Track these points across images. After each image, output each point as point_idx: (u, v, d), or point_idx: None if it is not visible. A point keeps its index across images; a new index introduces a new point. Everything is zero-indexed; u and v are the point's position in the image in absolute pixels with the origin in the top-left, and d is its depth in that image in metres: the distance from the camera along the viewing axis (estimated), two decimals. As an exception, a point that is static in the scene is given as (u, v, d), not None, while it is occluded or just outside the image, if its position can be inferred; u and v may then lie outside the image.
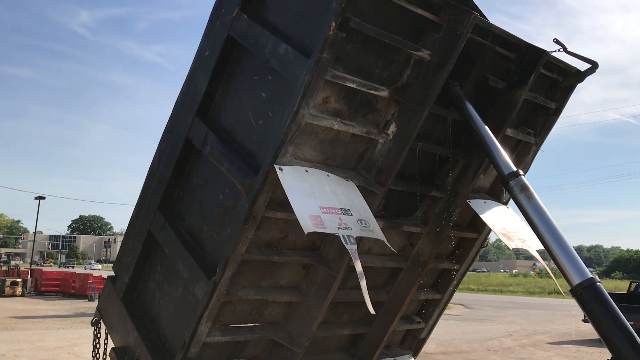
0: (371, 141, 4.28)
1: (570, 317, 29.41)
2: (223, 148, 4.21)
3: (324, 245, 4.57)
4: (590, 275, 3.80)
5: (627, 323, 3.67)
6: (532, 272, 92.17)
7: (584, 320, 21.15)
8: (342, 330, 5.19)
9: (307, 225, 3.62)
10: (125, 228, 5.68)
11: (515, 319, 27.80)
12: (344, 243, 3.73)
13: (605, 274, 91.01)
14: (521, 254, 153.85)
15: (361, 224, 3.93)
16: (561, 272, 3.92)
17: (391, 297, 5.20)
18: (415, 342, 5.96)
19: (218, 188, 4.38)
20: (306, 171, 3.96)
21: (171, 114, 4.98)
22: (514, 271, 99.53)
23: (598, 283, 3.79)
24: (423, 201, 4.98)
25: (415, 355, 6.03)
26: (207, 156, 4.39)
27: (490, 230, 5.45)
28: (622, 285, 37.59)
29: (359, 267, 3.74)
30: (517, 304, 40.02)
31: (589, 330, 22.37)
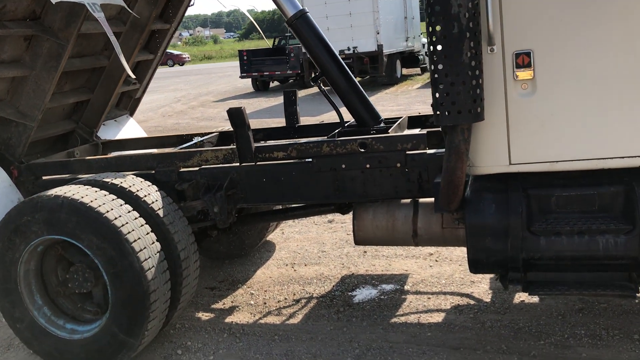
0: None
1: (225, 77, 32.41)
2: None
3: (45, 14, 4.47)
4: (301, 7, 4.43)
5: (329, 42, 4.46)
6: (179, 43, 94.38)
7: (241, 77, 23.74)
8: (67, 99, 5.32)
9: (51, -9, 3.58)
10: None
11: (179, 87, 29.46)
12: (92, 11, 3.82)
13: (245, 36, 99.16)
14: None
15: (99, -11, 4.00)
16: (279, 8, 4.52)
17: (112, 62, 5.44)
18: (131, 102, 6.42)
19: None
20: None
21: None
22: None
23: (307, 13, 4.43)
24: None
25: (131, 114, 6.54)
26: None
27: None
28: (262, 44, 42.16)
29: (111, 35, 3.92)
30: (176, 73, 41.82)
31: (244, 86, 25.35)
